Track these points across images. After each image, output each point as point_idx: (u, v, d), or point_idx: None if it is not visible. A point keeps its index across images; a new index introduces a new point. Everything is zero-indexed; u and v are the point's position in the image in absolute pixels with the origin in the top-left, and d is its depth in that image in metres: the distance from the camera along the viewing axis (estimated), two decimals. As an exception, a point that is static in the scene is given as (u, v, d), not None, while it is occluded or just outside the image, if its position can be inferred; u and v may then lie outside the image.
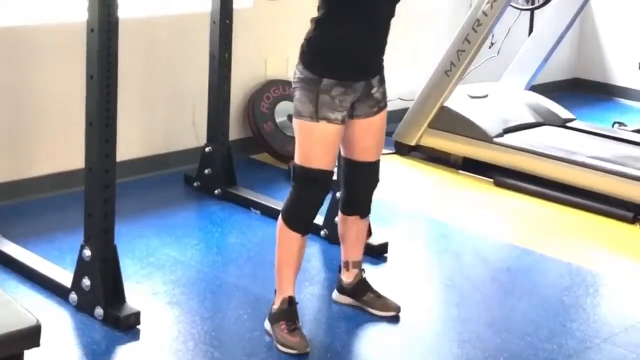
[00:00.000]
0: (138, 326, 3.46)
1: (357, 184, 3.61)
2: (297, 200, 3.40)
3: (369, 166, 3.57)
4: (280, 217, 3.44)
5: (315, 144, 3.37)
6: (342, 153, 3.61)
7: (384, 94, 3.54)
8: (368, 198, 3.65)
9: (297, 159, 3.39)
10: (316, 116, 3.35)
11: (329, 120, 3.35)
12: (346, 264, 3.73)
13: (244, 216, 4.67)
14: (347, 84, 3.37)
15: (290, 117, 5.26)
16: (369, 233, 4.04)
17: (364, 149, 3.54)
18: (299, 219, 3.41)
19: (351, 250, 3.72)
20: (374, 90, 3.48)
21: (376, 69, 3.51)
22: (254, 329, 3.49)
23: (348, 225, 3.68)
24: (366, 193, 3.64)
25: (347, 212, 3.67)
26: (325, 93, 3.34)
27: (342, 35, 3.37)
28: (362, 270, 3.73)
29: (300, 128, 3.40)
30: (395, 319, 3.66)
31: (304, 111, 3.37)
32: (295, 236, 3.40)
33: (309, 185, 3.38)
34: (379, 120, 3.54)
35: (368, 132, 3.53)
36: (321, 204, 3.44)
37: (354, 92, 3.40)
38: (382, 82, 3.53)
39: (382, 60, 3.52)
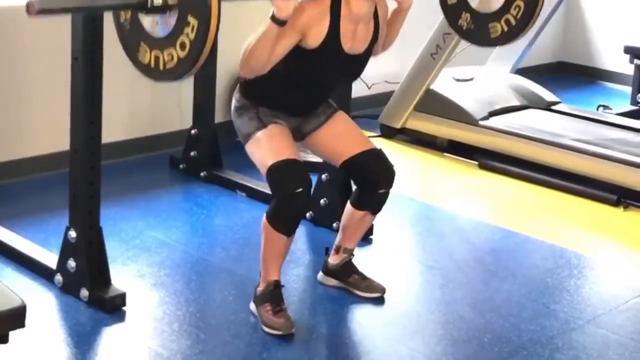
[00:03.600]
0: (123, 308, 3.47)
1: (368, 174, 3.54)
2: (281, 199, 3.30)
3: (367, 153, 3.53)
4: (264, 216, 3.36)
5: (273, 142, 3.35)
6: (337, 164, 3.58)
7: (326, 107, 3.57)
8: (384, 196, 3.58)
9: (264, 168, 3.33)
10: (262, 124, 3.37)
11: (275, 123, 3.38)
12: (337, 248, 3.73)
13: (230, 199, 4.67)
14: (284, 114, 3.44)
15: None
16: (370, 228, 4.04)
17: (346, 145, 3.53)
18: (283, 220, 3.32)
19: (348, 239, 3.71)
20: (316, 111, 3.54)
21: (319, 105, 3.56)
22: (239, 311, 3.51)
23: (354, 218, 3.64)
24: (382, 184, 3.54)
25: (358, 206, 3.62)
26: (264, 109, 3.39)
27: (287, 88, 3.40)
28: (352, 255, 3.73)
29: (253, 146, 3.39)
30: (380, 301, 3.68)
31: (250, 129, 3.39)
32: (281, 236, 3.34)
33: (286, 177, 3.29)
34: (336, 121, 3.56)
35: (334, 134, 3.54)
36: (304, 202, 3.33)
37: (294, 121, 3.47)
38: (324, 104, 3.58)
39: (328, 97, 3.58)
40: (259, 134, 3.37)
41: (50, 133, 4.75)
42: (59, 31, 3.99)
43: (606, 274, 4.18)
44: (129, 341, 3.30)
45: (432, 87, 5.74)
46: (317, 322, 3.53)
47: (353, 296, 3.69)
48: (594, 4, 7.85)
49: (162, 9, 2.75)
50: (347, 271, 3.72)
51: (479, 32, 3.97)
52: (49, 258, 3.67)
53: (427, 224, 4.64)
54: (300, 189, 3.27)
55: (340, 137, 3.55)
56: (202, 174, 4.88)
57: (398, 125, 5.79)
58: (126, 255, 3.95)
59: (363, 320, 3.61)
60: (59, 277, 3.57)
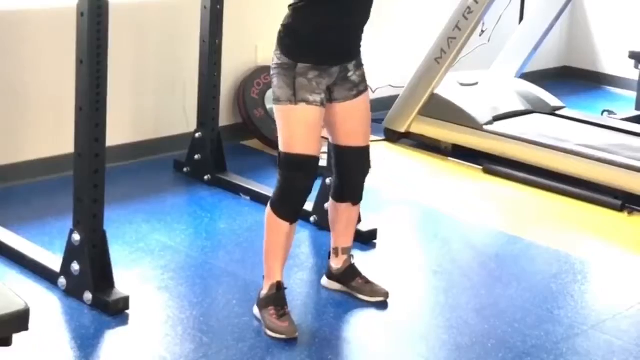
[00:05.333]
0: (127, 311, 3.47)
1: (348, 170, 3.61)
2: (284, 188, 3.40)
3: (357, 151, 3.57)
4: (268, 205, 3.44)
5: (297, 127, 3.38)
6: (330, 140, 3.62)
7: (362, 77, 3.56)
8: (360, 185, 3.66)
9: (281, 146, 3.40)
10: (295, 99, 3.37)
11: (307, 102, 3.37)
12: (335, 250, 3.74)
13: (234, 202, 4.67)
14: (322, 68, 3.40)
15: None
16: (359, 220, 4.04)
17: (349, 133, 3.55)
18: (287, 207, 3.41)
19: (341, 236, 3.73)
20: (350, 74, 3.50)
21: (352, 54, 3.53)
22: (242, 314, 3.50)
23: (339, 212, 3.69)
24: (358, 179, 3.64)
25: (339, 199, 3.67)
26: (301, 76, 3.37)
27: (317, 22, 3.39)
28: (351, 256, 3.74)
29: (280, 113, 3.41)
30: (383, 305, 3.67)
31: (282, 96, 3.39)
32: (283, 224, 3.40)
33: (294, 172, 3.38)
34: (360, 104, 3.56)
35: (350, 116, 3.54)
36: (309, 191, 3.43)
37: (329, 76, 3.43)
38: (358, 66, 3.55)
39: (359, 46, 3.55)
40: (290, 107, 3.38)
41: (54, 136, 4.75)
42: (64, 34, 4.01)
43: (610, 279, 4.17)
44: (132, 344, 3.30)
45: (436, 91, 5.73)
46: (321, 326, 3.53)
47: (357, 300, 3.68)
48: (599, 9, 7.85)
49: None
50: (350, 275, 3.72)
51: None
52: (53, 261, 3.67)
53: (431, 228, 4.64)
54: (305, 187, 3.40)
55: (352, 121, 3.56)
56: (206, 177, 4.88)
57: (402, 130, 5.78)
58: (130, 258, 3.95)
59: (366, 324, 3.60)
60: (62, 280, 3.57)
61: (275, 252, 3.43)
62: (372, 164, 3.64)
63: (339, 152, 3.60)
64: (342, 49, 3.50)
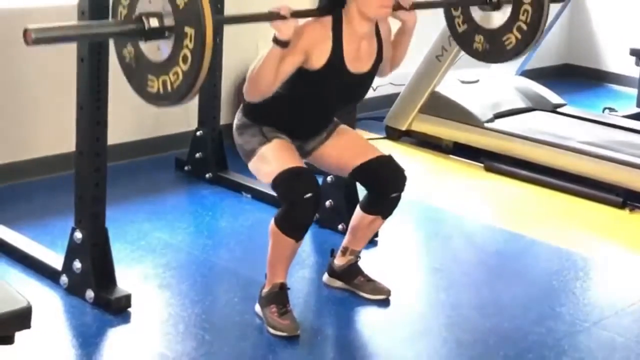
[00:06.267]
0: (129, 309, 3.47)
1: (380, 180, 3.51)
2: (291, 205, 3.27)
3: (378, 161, 3.50)
4: (272, 220, 3.33)
5: (278, 154, 3.33)
6: (346, 174, 3.57)
7: (332, 128, 3.57)
8: (396, 199, 3.54)
9: (271, 178, 3.30)
10: (266, 139, 3.35)
11: (279, 137, 3.36)
12: (344, 250, 3.72)
13: (235, 200, 4.67)
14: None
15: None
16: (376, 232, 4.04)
17: (353, 156, 3.51)
18: (293, 225, 3.29)
19: (357, 241, 3.70)
20: (321, 136, 3.53)
21: (328, 126, 3.54)
22: (244, 312, 3.50)
23: (365, 222, 3.62)
24: (393, 188, 3.52)
25: (370, 211, 3.59)
26: (267, 127, 3.38)
27: (292, 111, 3.37)
28: (358, 257, 3.73)
29: (258, 162, 3.37)
30: (385, 303, 3.67)
31: (253, 145, 3.37)
32: (289, 241, 3.32)
33: (295, 184, 3.26)
34: (339, 134, 3.55)
35: (339, 148, 3.53)
36: (314, 205, 3.29)
37: (296, 141, 3.45)
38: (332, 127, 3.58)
39: (331, 122, 3.56)
40: (263, 148, 3.35)
41: (56, 134, 4.76)
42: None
43: (612, 276, 4.17)
44: (134, 342, 3.30)
45: (437, 89, 5.73)
46: (323, 324, 3.53)
47: (358, 298, 3.68)
48: (599, 6, 7.84)
49: (160, 31, 2.79)
50: (352, 273, 3.72)
51: (496, 49, 3.96)
52: (55, 259, 3.67)
53: (433, 226, 4.64)
54: (310, 194, 3.25)
55: (346, 148, 3.53)
56: (207, 175, 4.88)
57: (403, 127, 5.78)
58: (131, 256, 3.95)
59: (368, 322, 3.61)
60: (64, 278, 3.57)
61: (279, 261, 3.39)
62: (405, 172, 3.57)
63: (359, 172, 3.51)
64: (318, 128, 3.52)
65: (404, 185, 3.54)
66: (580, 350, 3.41)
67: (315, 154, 3.54)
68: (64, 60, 4.12)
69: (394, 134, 5.82)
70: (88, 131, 3.44)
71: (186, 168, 5.00)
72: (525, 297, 3.82)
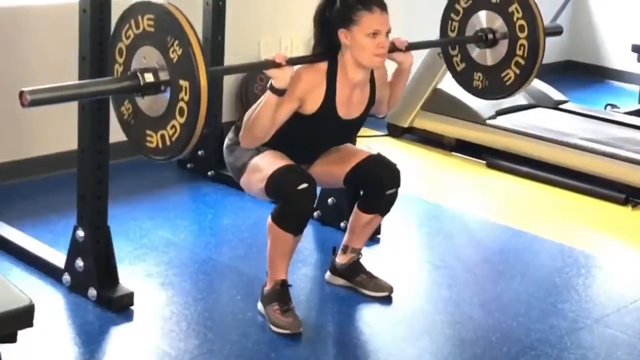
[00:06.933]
0: (131, 307, 3.47)
1: (374, 178, 3.52)
2: (285, 198, 3.27)
3: (370, 160, 3.52)
4: (269, 219, 3.33)
5: (270, 159, 3.34)
6: (341, 179, 3.56)
7: None
8: (392, 196, 3.56)
9: (265, 181, 3.30)
10: (257, 151, 3.37)
11: (271, 147, 3.37)
12: (345, 248, 3.72)
13: (237, 198, 4.67)
14: None
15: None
16: (378, 229, 4.05)
17: (343, 165, 3.52)
18: (289, 219, 3.29)
19: (356, 239, 3.70)
20: None
21: (314, 160, 3.57)
22: (246, 310, 3.51)
23: (363, 221, 3.64)
24: (388, 185, 3.52)
25: (367, 210, 3.61)
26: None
27: (283, 144, 3.37)
28: (360, 255, 3.73)
29: (250, 173, 3.37)
30: (387, 300, 3.67)
31: (244, 160, 3.39)
32: (287, 235, 3.32)
33: (288, 178, 3.26)
34: (326, 153, 3.57)
35: (328, 162, 3.55)
36: (309, 197, 3.29)
37: None
38: None
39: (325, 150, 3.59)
40: (255, 159, 3.37)
41: (58, 133, 4.76)
42: (67, 30, 4.01)
43: (614, 273, 4.17)
44: (136, 340, 3.31)
45: (439, 86, 5.73)
46: (325, 322, 3.53)
47: (360, 295, 3.68)
48: (601, 3, 7.84)
49: (156, 85, 2.81)
50: (354, 270, 3.72)
51: (495, 85, 3.98)
52: (57, 258, 3.67)
53: (435, 223, 4.64)
54: (305, 185, 3.25)
55: (334, 160, 3.55)
56: (209, 173, 4.88)
57: (405, 125, 5.78)
58: (134, 254, 3.95)
59: (371, 319, 3.61)
60: (67, 277, 3.57)
61: (279, 257, 3.39)
62: (397, 166, 3.57)
63: (352, 177, 3.52)
64: (311, 157, 3.54)
65: (398, 180, 3.55)
66: (582, 347, 3.41)
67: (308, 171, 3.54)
68: (66, 58, 4.13)
69: (395, 131, 5.82)
70: (90, 129, 3.44)
71: (188, 166, 5.00)
72: (528, 294, 3.82)
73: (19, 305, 2.48)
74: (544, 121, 5.62)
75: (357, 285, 3.70)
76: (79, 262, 3.51)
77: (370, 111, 3.53)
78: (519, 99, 5.89)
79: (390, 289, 3.69)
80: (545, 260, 4.21)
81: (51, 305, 3.48)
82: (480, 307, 3.69)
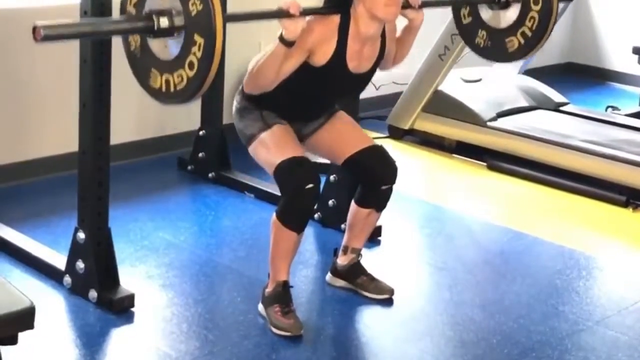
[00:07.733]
0: (132, 309, 3.47)
1: (372, 172, 3.53)
2: (291, 195, 3.29)
3: (369, 150, 3.53)
4: (274, 214, 3.35)
5: (279, 142, 3.34)
6: (338, 162, 3.58)
7: (331, 112, 3.58)
8: (388, 191, 3.58)
9: (272, 167, 3.32)
10: (266, 125, 3.37)
11: (280, 124, 3.38)
12: (345, 249, 3.72)
13: (238, 200, 4.67)
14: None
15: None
16: (377, 229, 4.05)
17: (345, 146, 3.53)
18: (293, 217, 3.31)
19: (355, 238, 3.71)
20: (320, 120, 3.55)
21: (329, 110, 3.56)
22: (247, 312, 3.51)
23: (360, 216, 3.64)
24: (383, 180, 3.54)
25: (363, 204, 3.62)
26: (268, 111, 3.38)
27: (292, 98, 3.37)
28: (360, 255, 3.73)
29: (258, 145, 3.38)
30: (388, 302, 3.67)
31: (253, 130, 3.39)
32: (290, 234, 3.33)
33: (295, 174, 3.28)
34: (336, 120, 3.57)
35: (333, 135, 3.54)
36: (314, 196, 3.31)
37: (295, 124, 3.46)
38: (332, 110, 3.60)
39: (332, 108, 3.58)
40: (264, 134, 3.37)
41: (58, 134, 4.76)
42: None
43: (615, 275, 4.17)
44: (137, 342, 3.30)
45: (440, 88, 5.73)
46: (326, 323, 3.53)
47: (361, 297, 3.68)
48: (602, 5, 7.84)
49: (170, 31, 2.76)
50: (355, 272, 3.72)
51: (496, 48, 3.96)
52: (58, 259, 3.67)
53: (436, 225, 4.64)
54: (310, 185, 3.26)
55: (339, 136, 3.55)
56: (210, 175, 4.88)
57: (406, 126, 5.78)
58: (135, 256, 3.95)
59: (371, 321, 3.61)
60: (67, 279, 3.57)
61: (282, 258, 3.40)
62: (395, 163, 3.58)
63: (350, 163, 3.54)
64: (318, 113, 3.53)
65: (394, 177, 3.56)
66: (583, 349, 3.41)
67: (312, 138, 3.55)
68: (67, 60, 4.13)
69: (396, 133, 5.82)
70: (91, 131, 3.44)
71: (189, 168, 5.00)
72: (529, 296, 3.82)
73: (19, 307, 2.47)
74: (544, 123, 5.62)
75: (358, 287, 3.70)
76: (80, 264, 3.51)
77: (378, 66, 3.50)
78: (520, 100, 5.90)
79: (391, 291, 3.69)
80: (546, 262, 4.21)
81: (52, 307, 3.48)
82: (481, 308, 3.68)
